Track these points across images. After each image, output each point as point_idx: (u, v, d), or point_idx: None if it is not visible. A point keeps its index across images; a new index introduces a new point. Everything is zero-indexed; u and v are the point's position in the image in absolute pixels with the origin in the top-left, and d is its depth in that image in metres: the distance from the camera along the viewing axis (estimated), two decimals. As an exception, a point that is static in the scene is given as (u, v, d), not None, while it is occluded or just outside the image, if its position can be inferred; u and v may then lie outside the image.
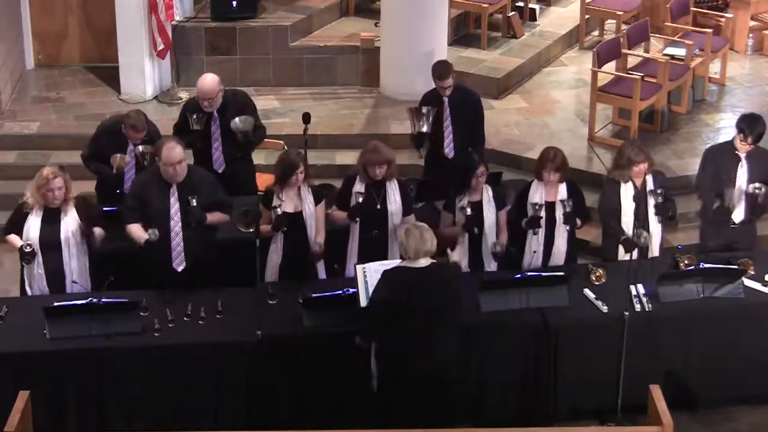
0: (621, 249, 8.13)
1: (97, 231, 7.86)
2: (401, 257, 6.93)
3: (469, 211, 8.00)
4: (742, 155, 8.28)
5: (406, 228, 6.92)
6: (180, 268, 7.80)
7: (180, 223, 7.74)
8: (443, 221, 8.21)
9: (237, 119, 8.83)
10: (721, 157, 8.37)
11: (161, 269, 7.75)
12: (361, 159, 8.03)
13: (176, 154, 7.63)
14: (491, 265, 8.14)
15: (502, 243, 8.07)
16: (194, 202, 7.67)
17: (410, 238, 6.79)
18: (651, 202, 8.09)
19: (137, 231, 7.75)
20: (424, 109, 9.06)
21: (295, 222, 7.83)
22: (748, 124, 8.25)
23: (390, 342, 6.89)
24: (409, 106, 9.29)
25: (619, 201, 8.06)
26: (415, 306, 6.76)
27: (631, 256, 7.95)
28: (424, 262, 6.81)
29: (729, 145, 8.40)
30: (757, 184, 8.19)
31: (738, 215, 8.34)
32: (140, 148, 8.51)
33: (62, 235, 7.67)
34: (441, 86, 9.16)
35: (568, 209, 7.99)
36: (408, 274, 6.81)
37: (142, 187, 7.84)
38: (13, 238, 7.80)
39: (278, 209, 7.74)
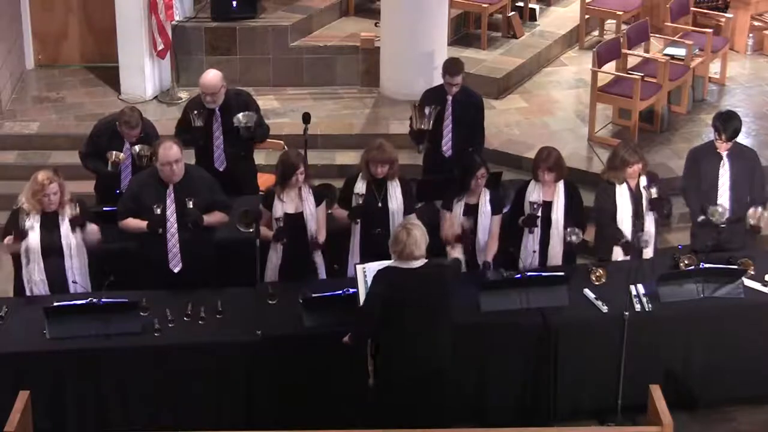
0: (615, 250, 8.12)
1: (92, 227, 7.79)
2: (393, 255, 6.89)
3: (465, 225, 7.98)
4: (724, 154, 8.28)
5: (403, 227, 6.90)
6: (176, 270, 7.80)
7: (176, 225, 7.73)
8: (442, 220, 8.20)
9: (240, 115, 8.83)
10: (704, 157, 8.38)
11: (158, 270, 7.75)
12: (365, 155, 8.03)
13: (173, 154, 7.62)
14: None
15: (488, 262, 8.04)
16: (191, 204, 7.67)
17: (407, 238, 6.77)
18: (645, 199, 8.08)
19: (135, 222, 7.75)
20: (428, 109, 9.02)
21: (295, 222, 7.83)
22: (722, 122, 8.27)
23: (384, 341, 6.90)
24: (414, 102, 9.27)
25: (615, 203, 8.05)
26: (409, 307, 6.77)
27: (632, 257, 7.97)
28: (416, 263, 6.81)
29: (710, 145, 8.41)
30: (752, 210, 8.14)
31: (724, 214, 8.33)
32: (137, 148, 8.50)
33: (63, 240, 7.64)
34: (450, 83, 9.14)
35: (573, 237, 7.93)
36: (401, 275, 6.80)
37: (139, 187, 7.83)
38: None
39: (280, 221, 7.74)
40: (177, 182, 7.72)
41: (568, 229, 7.96)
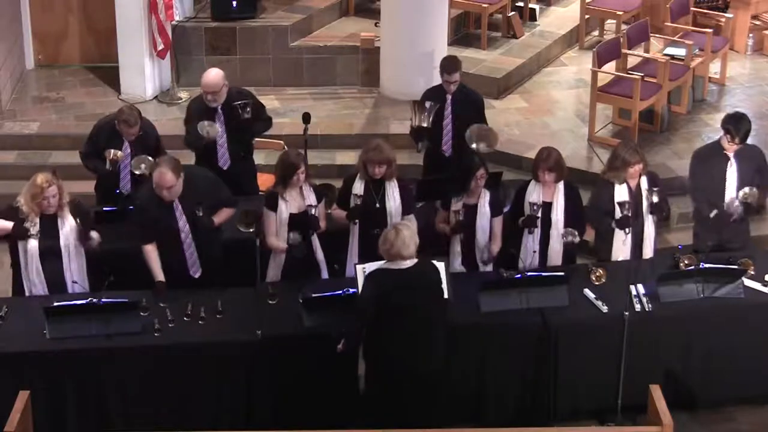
0: (615, 250, 8.11)
1: (95, 236, 7.76)
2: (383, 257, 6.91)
3: (461, 216, 7.98)
4: (731, 154, 8.28)
5: (393, 227, 6.91)
6: (197, 275, 7.82)
7: (190, 235, 7.72)
8: (438, 217, 8.20)
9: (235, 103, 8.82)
10: (710, 159, 8.36)
11: (177, 278, 7.73)
12: (362, 156, 8.03)
13: (167, 180, 7.55)
14: (485, 267, 8.13)
15: (491, 252, 8.05)
16: (200, 213, 7.66)
17: (395, 238, 6.78)
18: (645, 202, 8.07)
19: (154, 261, 7.70)
20: (428, 104, 9.05)
21: (298, 221, 7.84)
22: (734, 123, 8.24)
23: (377, 342, 6.90)
24: (414, 99, 9.30)
25: (612, 203, 8.04)
26: (400, 308, 6.78)
27: (632, 256, 7.97)
28: (406, 263, 6.82)
29: (717, 146, 8.40)
30: (746, 189, 8.17)
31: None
32: (143, 166, 8.38)
33: (62, 242, 7.61)
34: (448, 81, 9.16)
35: (569, 238, 7.94)
36: (391, 276, 6.82)
37: (147, 204, 7.74)
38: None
39: (295, 237, 7.75)
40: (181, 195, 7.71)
41: (565, 230, 7.95)
